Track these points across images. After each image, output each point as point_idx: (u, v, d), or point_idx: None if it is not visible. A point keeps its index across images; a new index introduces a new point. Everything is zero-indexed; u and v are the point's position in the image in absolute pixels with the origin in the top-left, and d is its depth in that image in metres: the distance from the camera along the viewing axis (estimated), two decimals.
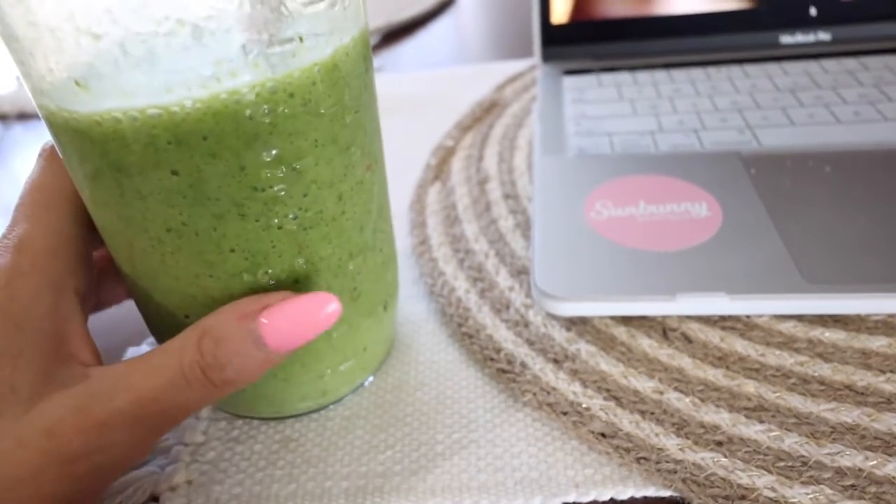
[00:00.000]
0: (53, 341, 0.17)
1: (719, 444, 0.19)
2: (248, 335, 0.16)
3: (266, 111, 0.14)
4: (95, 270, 0.20)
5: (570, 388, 0.21)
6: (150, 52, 0.13)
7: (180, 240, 0.16)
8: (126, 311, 0.27)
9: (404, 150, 0.37)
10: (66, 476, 0.15)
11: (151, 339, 0.25)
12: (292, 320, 0.16)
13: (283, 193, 0.16)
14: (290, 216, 0.16)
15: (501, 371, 0.22)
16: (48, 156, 0.19)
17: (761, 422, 0.19)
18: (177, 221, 0.15)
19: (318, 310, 0.16)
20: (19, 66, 0.14)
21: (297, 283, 0.17)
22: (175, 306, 0.18)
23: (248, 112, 0.14)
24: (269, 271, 0.17)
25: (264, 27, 0.14)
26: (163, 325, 0.19)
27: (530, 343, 0.23)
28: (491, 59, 0.52)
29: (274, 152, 0.15)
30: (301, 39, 0.14)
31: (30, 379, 0.16)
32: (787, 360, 0.21)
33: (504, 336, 0.23)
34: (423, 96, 0.44)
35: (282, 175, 0.15)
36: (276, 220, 0.16)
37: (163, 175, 0.15)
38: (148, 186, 0.15)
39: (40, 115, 0.15)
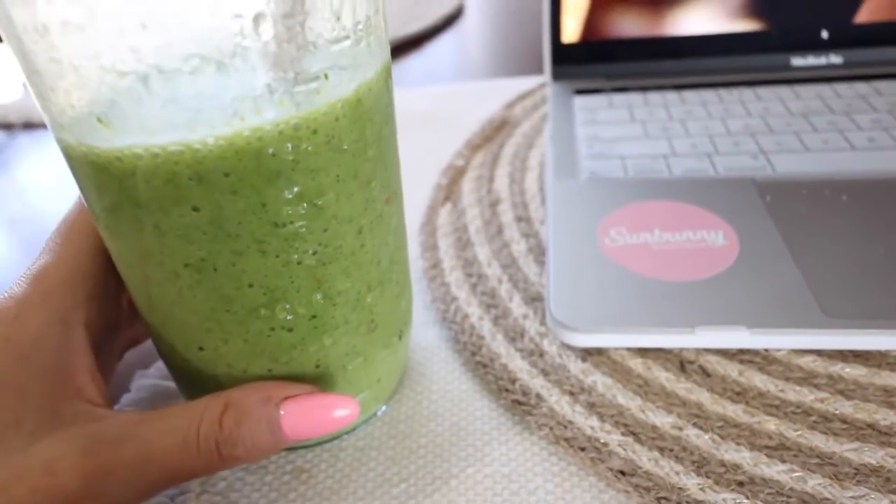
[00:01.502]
0: (60, 376, 0.16)
1: (741, 484, 0.18)
2: (267, 419, 0.16)
3: (289, 148, 0.14)
4: (125, 305, 0.20)
5: (587, 423, 0.21)
6: (173, 89, 0.13)
7: (199, 275, 0.16)
8: None
9: (412, 167, 0.37)
10: None
11: (160, 363, 0.25)
12: (310, 416, 0.17)
13: (303, 229, 0.15)
14: (310, 251, 0.16)
15: (517, 403, 0.22)
16: None
17: (783, 461, 0.19)
18: (195, 257, 0.15)
19: (334, 410, 0.17)
20: (39, 99, 0.14)
21: (315, 318, 0.17)
22: (189, 339, 0.17)
23: (270, 150, 0.14)
24: (287, 306, 0.17)
25: (290, 65, 0.14)
26: (176, 356, 0.19)
27: (545, 374, 0.23)
28: (497, 75, 0.52)
29: (296, 189, 0.15)
30: (326, 76, 0.14)
31: (35, 412, 0.16)
32: (808, 396, 0.21)
33: (519, 366, 0.23)
34: (430, 112, 0.44)
35: (303, 211, 0.15)
36: (295, 256, 0.16)
37: (183, 211, 0.14)
38: (167, 222, 0.15)
39: (58, 147, 0.15)
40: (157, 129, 0.13)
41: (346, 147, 0.15)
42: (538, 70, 0.51)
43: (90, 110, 0.13)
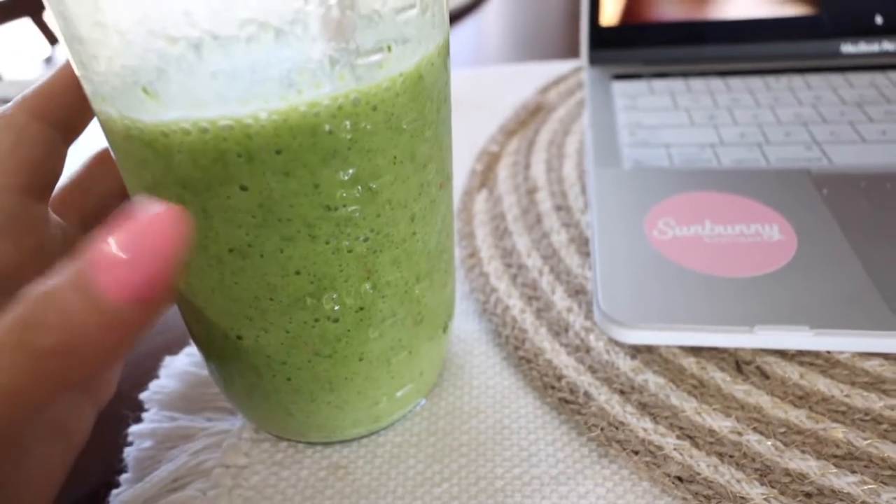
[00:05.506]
0: None
1: (808, 495, 0.17)
2: (71, 278, 0.11)
3: (347, 126, 0.13)
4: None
5: (639, 424, 0.20)
6: (227, 58, 0.12)
7: (243, 261, 0.15)
8: (163, 320, 0.26)
9: None
10: None
11: (190, 349, 0.24)
12: (132, 248, 0.11)
13: (356, 214, 0.14)
14: (362, 238, 0.15)
15: (564, 401, 0.21)
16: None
17: (853, 472, 0.18)
18: (242, 242, 0.14)
19: (163, 226, 0.11)
20: (79, 67, 0.13)
21: (362, 310, 0.16)
22: (228, 328, 0.17)
23: (327, 126, 0.13)
24: (335, 296, 0.16)
25: (353, 35, 0.12)
26: (212, 345, 0.18)
27: (593, 371, 0.21)
28: (521, 60, 0.50)
29: (351, 170, 0.14)
30: (389, 49, 0.13)
31: None
32: (876, 402, 0.19)
33: (564, 362, 0.22)
34: (459, 96, 0.43)
35: (357, 195, 0.14)
36: (346, 243, 0.15)
37: (230, 192, 0.13)
38: (213, 204, 0.14)
39: (98, 120, 0.14)
40: (206, 101, 0.12)
41: (404, 126, 0.14)
42: (564, 55, 0.50)
43: (135, 80, 0.12)
